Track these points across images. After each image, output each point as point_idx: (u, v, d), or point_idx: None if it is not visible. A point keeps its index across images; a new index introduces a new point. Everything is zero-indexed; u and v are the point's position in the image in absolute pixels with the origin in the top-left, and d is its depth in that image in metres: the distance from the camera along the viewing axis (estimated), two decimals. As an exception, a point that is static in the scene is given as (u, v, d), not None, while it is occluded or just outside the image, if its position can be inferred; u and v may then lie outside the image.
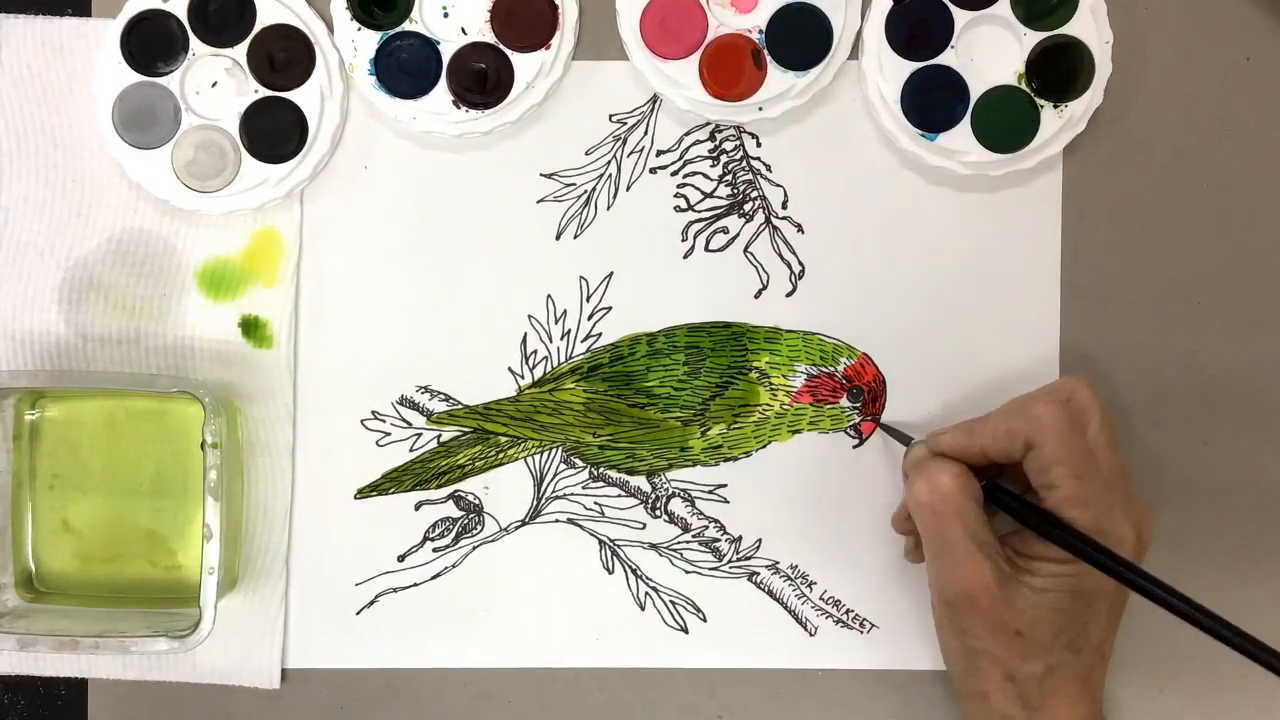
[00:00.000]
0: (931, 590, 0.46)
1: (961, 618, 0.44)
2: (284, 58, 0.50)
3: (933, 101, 0.50)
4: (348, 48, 0.50)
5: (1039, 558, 0.44)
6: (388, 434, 0.52)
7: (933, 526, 0.45)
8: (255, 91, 0.51)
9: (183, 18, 0.50)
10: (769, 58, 0.50)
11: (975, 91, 0.50)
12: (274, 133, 0.50)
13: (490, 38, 0.50)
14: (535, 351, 0.52)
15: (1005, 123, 0.50)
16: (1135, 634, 0.52)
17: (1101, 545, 0.43)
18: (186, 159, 0.51)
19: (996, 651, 0.44)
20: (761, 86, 0.50)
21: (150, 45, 0.50)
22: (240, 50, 0.50)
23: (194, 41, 0.50)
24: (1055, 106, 0.50)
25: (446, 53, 0.50)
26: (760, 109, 0.51)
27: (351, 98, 0.52)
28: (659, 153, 0.52)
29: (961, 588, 0.44)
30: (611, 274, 0.52)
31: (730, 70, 0.50)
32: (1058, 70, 0.50)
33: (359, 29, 0.50)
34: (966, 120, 0.50)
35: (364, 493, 0.52)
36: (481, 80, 0.50)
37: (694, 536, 0.52)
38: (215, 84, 0.51)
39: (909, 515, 0.47)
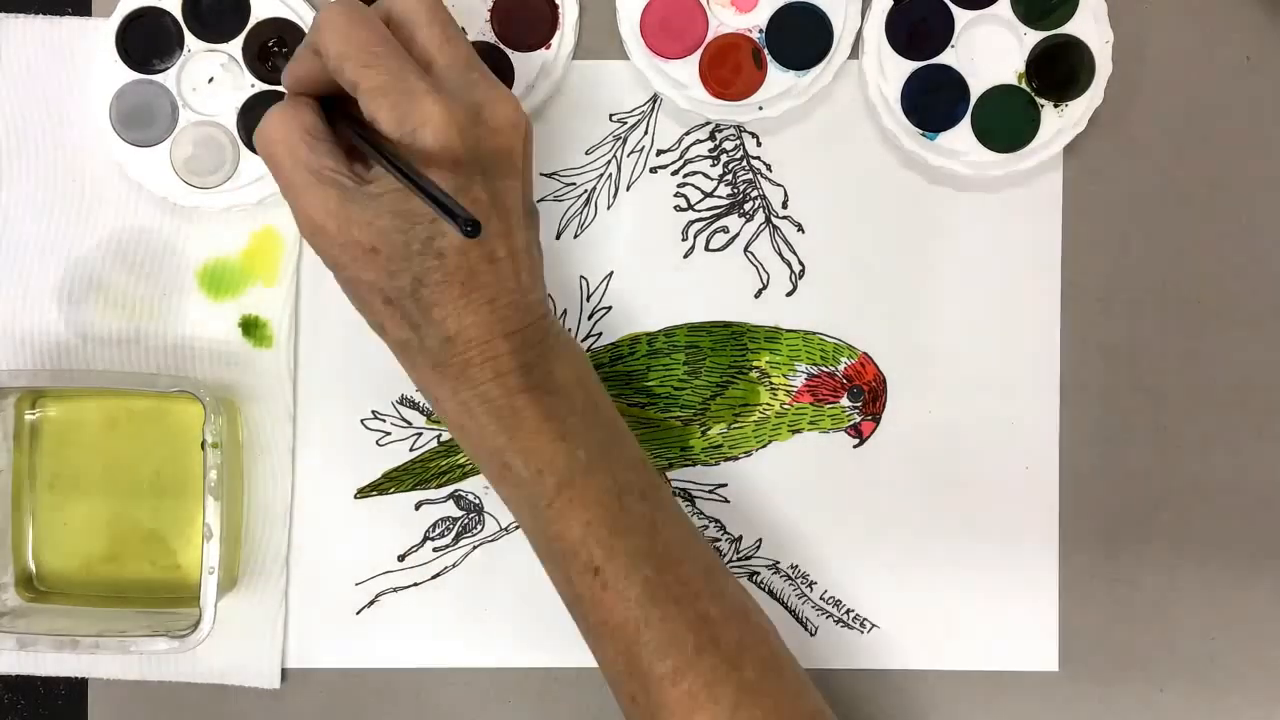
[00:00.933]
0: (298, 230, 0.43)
1: (322, 250, 0.42)
2: (279, 51, 0.50)
3: (933, 101, 0.50)
4: (348, 48, 0.50)
5: (374, 164, 0.41)
6: (388, 433, 0.52)
7: (274, 173, 0.42)
8: (252, 86, 0.51)
9: (177, 14, 0.50)
10: (769, 57, 0.50)
11: (975, 91, 0.50)
12: None
13: (491, 37, 0.50)
14: (535, 351, 0.52)
15: (1005, 122, 0.50)
16: (1137, 634, 0.52)
17: (376, 137, 0.40)
18: (185, 155, 0.51)
19: (365, 275, 0.41)
20: (762, 86, 0.50)
21: (145, 43, 0.50)
22: (235, 45, 0.50)
23: (189, 38, 0.50)
24: (1055, 106, 0.50)
25: (447, 52, 0.50)
26: (760, 108, 0.51)
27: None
28: (659, 152, 0.52)
29: (308, 219, 0.41)
30: (611, 273, 0.52)
31: (730, 70, 0.50)
32: (1058, 70, 0.50)
33: (359, 29, 0.50)
34: (967, 120, 0.50)
35: (364, 492, 0.52)
36: (482, 80, 0.50)
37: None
38: (211, 80, 0.51)
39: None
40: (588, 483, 0.42)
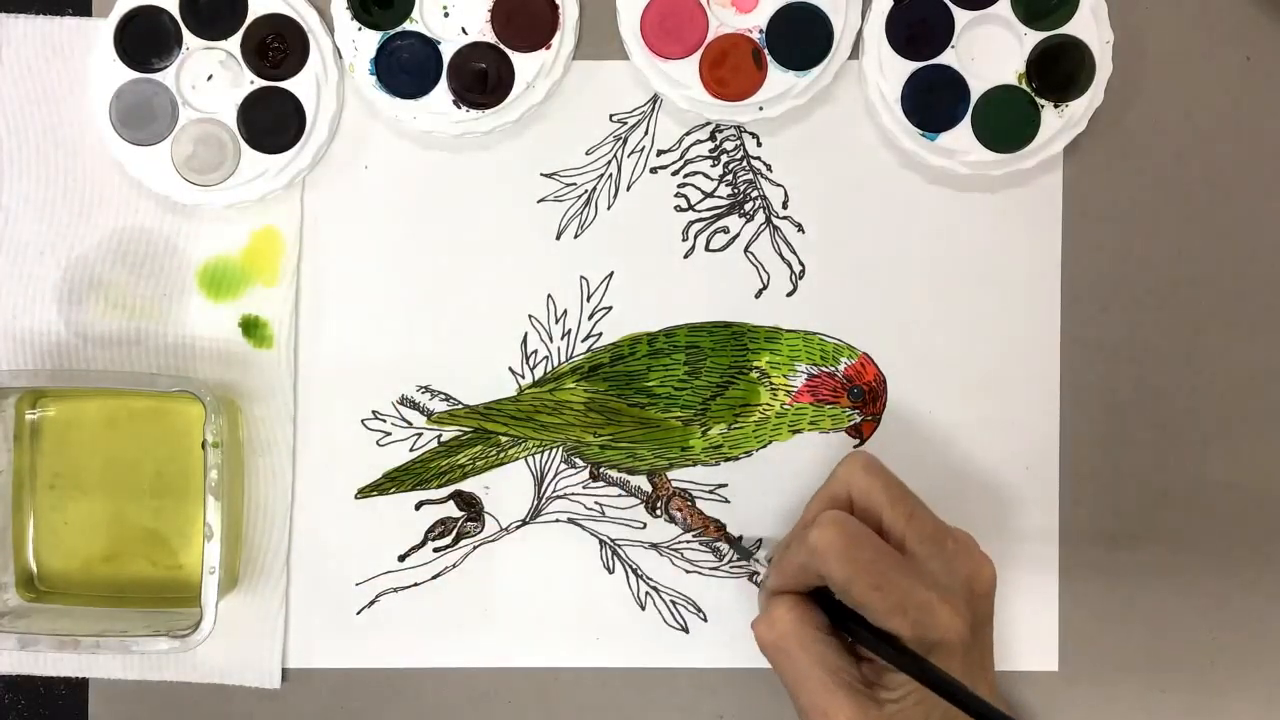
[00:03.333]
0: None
1: None
2: (278, 47, 0.50)
3: (933, 101, 0.50)
4: (348, 47, 0.50)
5: (887, 669, 0.43)
6: (388, 434, 0.52)
7: (782, 665, 0.44)
8: (251, 83, 0.51)
9: (174, 12, 0.50)
10: (769, 57, 0.50)
11: (976, 91, 0.50)
12: (272, 123, 0.50)
13: (491, 37, 0.50)
14: (535, 351, 0.52)
15: (1006, 122, 0.50)
16: (1138, 635, 0.52)
17: (911, 653, 0.42)
18: (186, 154, 0.51)
19: None
20: (762, 86, 0.50)
21: (144, 41, 0.50)
22: (234, 42, 0.50)
23: (187, 36, 0.50)
24: (1056, 106, 0.50)
25: (447, 52, 0.50)
26: (761, 109, 0.51)
27: (352, 97, 0.52)
28: (659, 152, 0.52)
29: (819, 718, 0.43)
30: (612, 274, 0.52)
31: (730, 70, 0.50)
32: (1058, 70, 0.50)
33: (359, 29, 0.50)
34: (967, 120, 0.50)
35: (364, 492, 0.52)
36: (482, 80, 0.50)
37: (701, 539, 0.52)
38: (211, 77, 0.51)
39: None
40: None
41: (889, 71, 0.50)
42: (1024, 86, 0.50)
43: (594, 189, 0.52)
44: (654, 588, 0.52)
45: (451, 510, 0.52)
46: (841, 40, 0.50)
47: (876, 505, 0.45)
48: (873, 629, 0.43)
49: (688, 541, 0.52)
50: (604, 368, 0.52)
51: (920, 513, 0.45)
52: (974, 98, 0.50)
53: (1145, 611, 0.52)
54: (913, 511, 0.45)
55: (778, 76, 0.50)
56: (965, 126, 0.50)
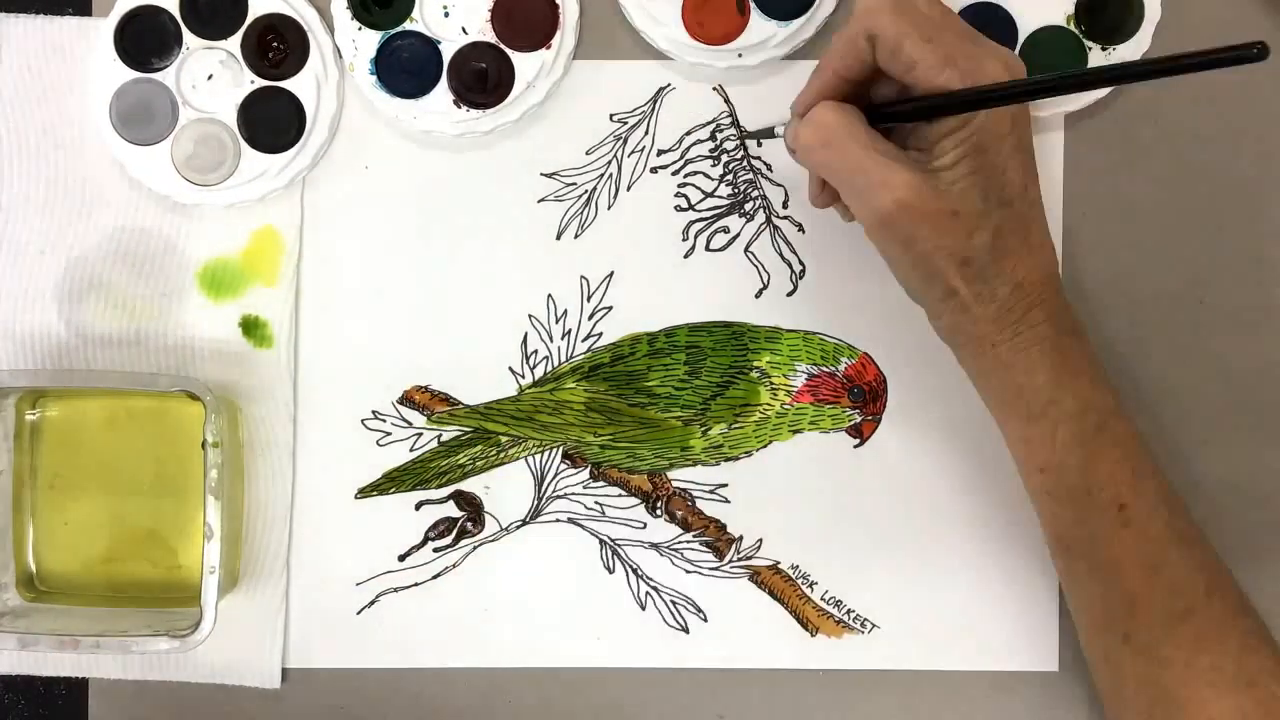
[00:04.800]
0: (863, 219, 0.44)
1: (903, 227, 0.43)
2: (278, 47, 0.50)
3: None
4: (348, 47, 0.50)
5: (936, 141, 0.43)
6: (388, 434, 0.52)
7: (836, 159, 0.43)
8: (251, 82, 0.51)
9: (174, 12, 0.50)
10: (753, 4, 0.50)
11: (1024, 30, 0.50)
12: (272, 122, 0.51)
13: (491, 37, 0.50)
14: (536, 351, 0.52)
15: (1053, 63, 0.50)
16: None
17: (981, 87, 0.41)
18: (186, 153, 0.51)
19: (945, 241, 0.43)
20: (743, 33, 0.50)
21: (144, 41, 0.50)
22: (234, 42, 0.50)
23: (187, 35, 0.50)
24: (1103, 49, 0.50)
25: (447, 52, 0.50)
26: (740, 55, 0.50)
27: (352, 97, 0.52)
28: (660, 152, 0.52)
29: (892, 198, 0.42)
30: (612, 274, 0.52)
31: (712, 11, 0.50)
32: (1107, 12, 0.50)
33: (360, 28, 0.50)
34: None
35: (365, 492, 0.52)
36: (482, 80, 0.50)
37: (695, 537, 0.52)
38: (211, 77, 0.51)
39: (821, 186, 0.46)
40: (1119, 422, 0.44)
41: None
42: (1072, 28, 0.50)
43: (594, 189, 0.52)
44: (654, 588, 0.52)
45: (452, 510, 0.52)
46: (827, -6, 0.50)
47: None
48: (915, 98, 0.42)
49: (688, 541, 0.52)
50: (604, 368, 0.52)
51: (948, 9, 0.44)
52: (1021, 37, 0.50)
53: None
54: (944, 5, 0.43)
55: (759, 24, 0.50)
56: None
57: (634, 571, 0.52)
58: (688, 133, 0.52)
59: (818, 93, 0.44)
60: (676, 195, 0.52)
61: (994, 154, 0.43)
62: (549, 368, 0.52)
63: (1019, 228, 0.43)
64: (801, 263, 0.52)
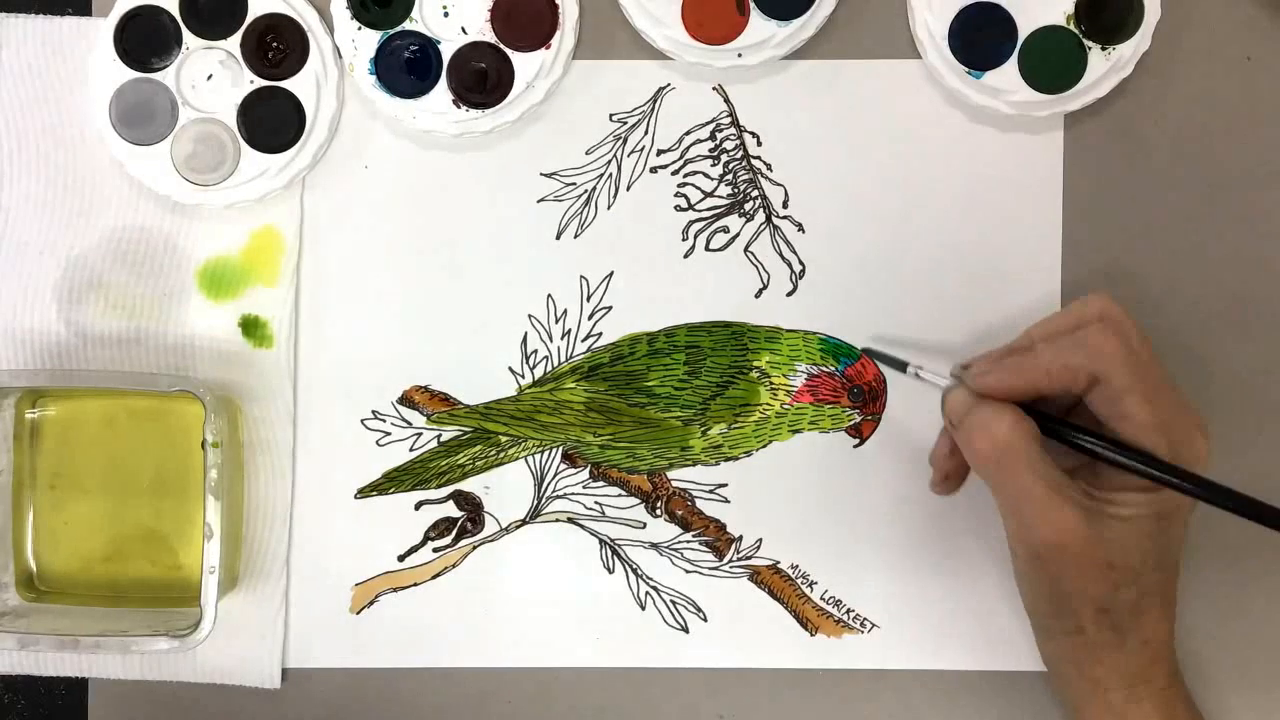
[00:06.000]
0: (1012, 542, 0.44)
1: (1052, 565, 0.42)
2: (278, 47, 0.50)
3: (980, 39, 0.50)
4: (348, 47, 0.50)
5: (1118, 488, 0.42)
6: (388, 433, 0.52)
7: (1002, 479, 0.42)
8: (251, 82, 0.51)
9: (174, 12, 0.50)
10: (752, 3, 0.50)
11: (1024, 30, 0.50)
12: (272, 122, 0.51)
13: (490, 37, 0.50)
14: (535, 351, 0.52)
15: (1052, 63, 0.50)
16: (1135, 634, 0.52)
17: (1186, 471, 0.41)
18: (186, 153, 0.51)
19: (1089, 589, 0.42)
20: (742, 33, 0.50)
21: (143, 41, 0.50)
22: (233, 42, 0.50)
23: (187, 35, 0.50)
24: (1103, 49, 0.50)
25: (447, 52, 0.50)
26: (740, 55, 0.50)
27: (352, 96, 0.52)
28: (659, 152, 0.52)
29: (1049, 538, 0.42)
30: (612, 273, 0.52)
31: (713, 12, 0.50)
32: (1107, 12, 0.50)
33: (359, 28, 0.50)
34: (1014, 59, 0.50)
35: (364, 492, 0.52)
36: (482, 80, 0.50)
37: (695, 536, 0.52)
38: (210, 77, 0.51)
39: (950, 452, 0.46)
40: None
41: (937, 7, 0.50)
42: (1072, 28, 0.50)
43: (594, 189, 0.52)
44: (654, 587, 0.52)
45: (451, 510, 0.52)
46: (827, -8, 0.50)
47: (1130, 335, 0.43)
48: (1116, 443, 0.42)
49: (688, 541, 0.52)
50: (604, 367, 0.52)
51: (1157, 356, 0.43)
52: (1021, 36, 0.50)
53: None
54: (1153, 349, 0.43)
55: (759, 24, 0.50)
56: (1012, 65, 0.50)
57: (634, 571, 0.52)
58: (687, 132, 0.52)
59: (1005, 389, 0.43)
60: (676, 195, 0.52)
61: (1172, 522, 0.43)
62: (549, 368, 0.52)
63: (1163, 592, 0.44)
64: (801, 263, 0.52)
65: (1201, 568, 0.52)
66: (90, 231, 0.52)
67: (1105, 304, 0.44)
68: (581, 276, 0.52)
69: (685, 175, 0.52)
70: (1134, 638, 0.43)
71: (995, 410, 0.42)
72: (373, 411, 0.52)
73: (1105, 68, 0.50)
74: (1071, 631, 0.44)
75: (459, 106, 0.50)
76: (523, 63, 0.50)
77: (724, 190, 0.52)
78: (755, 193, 0.52)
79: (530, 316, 0.52)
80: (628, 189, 0.52)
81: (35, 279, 0.52)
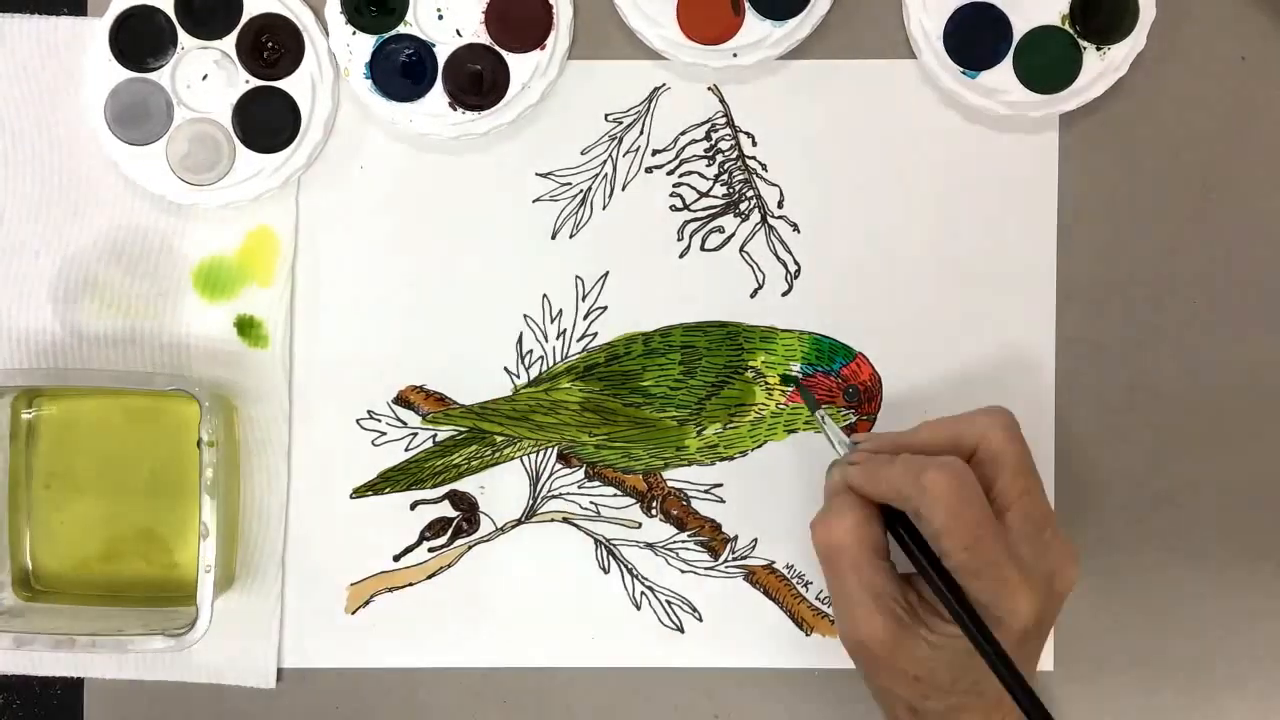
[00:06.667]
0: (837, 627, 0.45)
1: (861, 662, 0.44)
2: (273, 47, 0.50)
3: (975, 39, 0.50)
4: (343, 52, 0.50)
5: (937, 612, 0.43)
6: (383, 433, 0.52)
7: (829, 573, 0.44)
8: (246, 82, 0.51)
9: (169, 12, 0.50)
10: (748, 4, 0.50)
11: (1018, 30, 0.50)
12: (267, 122, 0.51)
13: (485, 39, 0.50)
14: (531, 351, 0.52)
15: (1047, 63, 0.50)
16: (1134, 635, 0.52)
17: (977, 622, 0.41)
18: (181, 153, 0.51)
19: (898, 690, 0.43)
20: (738, 33, 0.50)
21: (139, 41, 0.50)
22: (229, 42, 0.51)
23: (182, 35, 0.50)
24: (1098, 49, 0.50)
25: (442, 55, 0.50)
26: (735, 55, 0.51)
27: (347, 97, 0.52)
28: (655, 152, 0.52)
29: (855, 638, 0.43)
30: (607, 273, 0.52)
31: (708, 12, 0.50)
32: (1102, 13, 0.50)
33: (354, 32, 0.50)
34: (1008, 59, 0.50)
35: (360, 492, 0.52)
36: (477, 82, 0.50)
37: (690, 536, 0.52)
38: (206, 77, 0.51)
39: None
40: None
41: (932, 7, 0.50)
42: (1067, 28, 0.50)
43: (589, 189, 0.52)
44: (649, 587, 0.52)
45: (447, 510, 0.52)
46: (823, -8, 0.50)
47: (999, 467, 0.43)
48: (944, 574, 0.42)
49: (683, 541, 0.52)
50: (599, 367, 0.52)
51: (1035, 492, 0.43)
52: (1016, 37, 0.50)
53: (1141, 611, 0.52)
54: (1029, 488, 0.43)
55: (755, 24, 0.50)
56: (1006, 65, 0.50)
57: (629, 571, 0.52)
58: (683, 132, 0.52)
59: (860, 490, 0.44)
60: (671, 195, 0.52)
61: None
62: (544, 367, 0.52)
63: (983, 712, 0.43)
64: (796, 262, 0.52)
65: (1196, 569, 0.52)
66: (85, 231, 0.52)
67: (989, 429, 0.44)
68: (577, 276, 0.52)
69: (680, 175, 0.52)
70: None
71: (841, 509, 0.44)
72: (368, 411, 0.52)
73: (1100, 68, 0.50)
74: (892, 717, 0.45)
75: (455, 109, 0.50)
76: (518, 64, 0.50)
77: (719, 190, 0.52)
78: (750, 193, 0.52)
79: (526, 316, 0.52)
80: (623, 189, 0.52)
81: (30, 279, 0.52)
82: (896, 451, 0.44)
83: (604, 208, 0.52)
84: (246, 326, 0.52)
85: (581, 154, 0.52)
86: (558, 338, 0.52)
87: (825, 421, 0.48)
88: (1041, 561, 0.42)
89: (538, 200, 0.52)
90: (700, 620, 0.52)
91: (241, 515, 0.52)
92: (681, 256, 0.52)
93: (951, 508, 0.41)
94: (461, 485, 0.52)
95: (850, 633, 0.43)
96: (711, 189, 0.52)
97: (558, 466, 0.52)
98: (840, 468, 0.46)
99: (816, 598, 0.52)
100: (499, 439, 0.52)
